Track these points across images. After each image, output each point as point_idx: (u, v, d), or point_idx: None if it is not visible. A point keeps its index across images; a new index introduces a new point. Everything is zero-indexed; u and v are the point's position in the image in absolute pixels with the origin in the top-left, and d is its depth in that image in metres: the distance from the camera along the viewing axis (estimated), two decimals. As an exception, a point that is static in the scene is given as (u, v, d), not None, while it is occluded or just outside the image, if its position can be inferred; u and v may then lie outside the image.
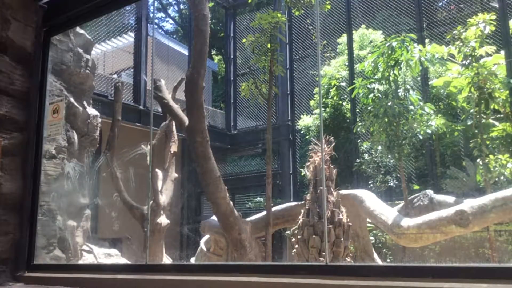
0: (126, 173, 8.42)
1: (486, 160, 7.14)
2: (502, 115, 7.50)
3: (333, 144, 6.58)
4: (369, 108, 7.84)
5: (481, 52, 7.27)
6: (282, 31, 9.23)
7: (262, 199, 12.53)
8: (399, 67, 7.48)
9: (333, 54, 12.53)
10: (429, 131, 7.55)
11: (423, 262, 8.00)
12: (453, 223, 5.91)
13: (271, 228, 7.08)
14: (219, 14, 17.82)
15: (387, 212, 6.63)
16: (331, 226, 5.96)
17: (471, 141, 7.57)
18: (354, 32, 11.91)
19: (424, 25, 11.05)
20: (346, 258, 6.00)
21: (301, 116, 12.63)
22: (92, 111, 7.39)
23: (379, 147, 8.92)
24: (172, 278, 3.79)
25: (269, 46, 7.26)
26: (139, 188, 8.45)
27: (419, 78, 10.13)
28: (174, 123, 8.23)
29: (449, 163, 9.91)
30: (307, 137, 11.92)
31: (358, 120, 10.40)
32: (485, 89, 7.15)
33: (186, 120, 6.20)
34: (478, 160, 7.73)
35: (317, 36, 11.47)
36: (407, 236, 6.28)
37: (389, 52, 7.36)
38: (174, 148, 8.35)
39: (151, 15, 14.97)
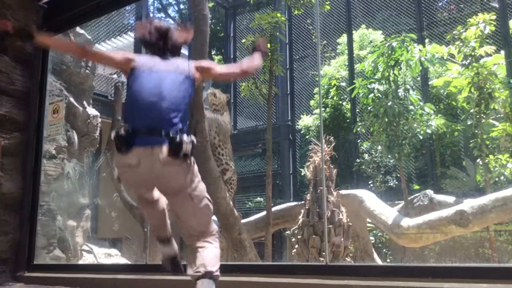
0: (126, 173, 8.39)
1: (486, 160, 7.13)
2: (502, 115, 7.50)
3: (333, 144, 6.58)
4: (369, 108, 7.84)
5: (481, 52, 7.26)
6: (282, 31, 9.23)
7: (262, 199, 12.52)
8: (399, 67, 7.48)
9: (333, 54, 12.52)
10: (429, 131, 7.54)
11: (423, 262, 8.00)
12: (453, 223, 5.91)
13: (271, 228, 7.08)
14: (219, 14, 17.81)
15: (387, 212, 6.63)
16: (331, 226, 5.96)
17: (471, 141, 7.56)
18: (354, 32, 11.90)
19: (424, 25, 11.04)
20: (346, 258, 6.00)
21: (301, 116, 12.61)
22: (92, 111, 7.40)
23: (379, 147, 8.91)
24: (172, 278, 3.79)
25: (269, 46, 7.25)
26: (139, 188, 8.41)
27: (419, 78, 10.12)
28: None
29: (449, 163, 9.90)
30: (307, 137, 11.91)
31: (358, 120, 10.39)
32: (485, 89, 7.14)
33: (186, 120, 6.19)
34: (478, 160, 7.73)
35: (317, 36, 11.45)
36: (407, 236, 6.29)
37: (389, 52, 7.36)
38: (174, 148, 8.34)
39: (151, 15, 14.97)
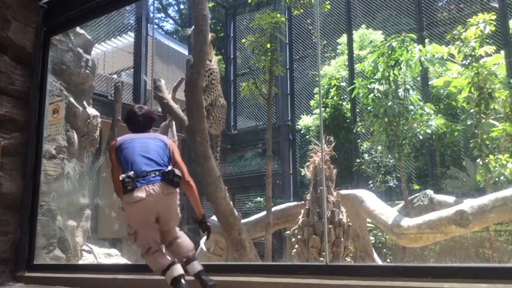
0: (126, 173, 8.38)
1: (486, 160, 7.13)
2: (502, 115, 7.50)
3: (333, 144, 6.57)
4: (369, 108, 7.83)
5: (481, 52, 7.26)
6: (282, 31, 9.24)
7: (262, 199, 12.52)
8: (399, 67, 7.47)
9: (333, 54, 12.53)
10: (429, 131, 7.54)
11: (423, 262, 8.00)
12: (453, 223, 5.91)
13: (271, 228, 7.08)
14: (219, 14, 17.82)
15: (387, 212, 6.63)
16: (331, 226, 5.96)
17: (471, 141, 7.56)
18: (354, 32, 11.90)
19: (424, 25, 11.04)
20: (346, 258, 6.00)
21: (301, 116, 12.62)
22: (92, 111, 7.40)
23: (379, 147, 8.91)
24: (172, 278, 3.78)
25: (269, 46, 7.25)
26: (139, 188, 8.40)
27: (419, 78, 10.12)
28: (174, 123, 8.23)
29: (449, 163, 9.90)
30: (307, 137, 11.91)
31: (358, 120, 10.39)
32: (485, 89, 7.14)
33: (186, 120, 6.20)
34: (478, 160, 7.73)
35: (317, 36, 11.47)
36: (407, 236, 6.28)
37: (389, 52, 7.36)
38: (174, 148, 8.33)
39: (151, 15, 14.97)
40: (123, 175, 3.02)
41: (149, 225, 3.08)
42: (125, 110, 9.83)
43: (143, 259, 3.26)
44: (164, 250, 3.19)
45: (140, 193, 2.97)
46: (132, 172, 3.02)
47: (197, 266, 3.04)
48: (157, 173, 3.04)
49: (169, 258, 3.12)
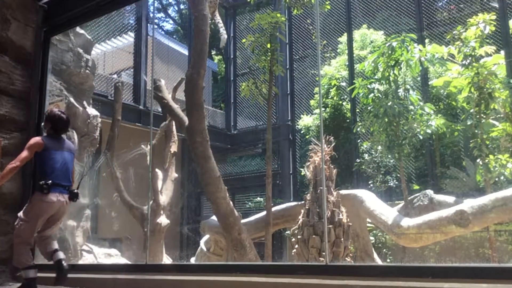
0: (126, 173, 8.42)
1: (486, 160, 7.13)
2: (502, 115, 7.50)
3: (333, 144, 6.57)
4: (369, 108, 7.83)
5: (481, 52, 7.25)
6: (282, 31, 9.24)
7: (262, 199, 12.52)
8: (399, 67, 7.47)
9: (333, 54, 12.53)
10: (429, 131, 7.54)
11: (423, 262, 8.00)
12: (453, 223, 5.91)
13: (271, 228, 7.08)
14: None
15: (387, 212, 6.63)
16: (331, 226, 5.96)
17: (471, 141, 7.56)
18: (355, 31, 11.90)
19: (424, 25, 11.04)
20: (346, 258, 6.00)
21: (301, 116, 12.62)
22: (92, 111, 7.39)
23: (379, 147, 8.91)
24: (172, 278, 3.79)
25: (269, 46, 7.25)
26: (139, 188, 8.44)
27: (419, 78, 10.12)
28: (174, 123, 8.23)
29: (449, 163, 9.91)
30: (307, 137, 11.91)
31: (358, 120, 10.39)
32: (485, 89, 7.13)
33: (186, 120, 6.20)
34: (478, 160, 7.72)
35: (317, 36, 11.47)
36: (407, 236, 6.28)
37: (389, 52, 7.36)
38: (174, 148, 8.35)
39: (151, 15, 14.97)
40: (43, 181, 3.93)
41: (43, 221, 4.05)
42: (125, 110, 9.76)
43: (15, 246, 4.08)
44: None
45: (53, 197, 3.98)
46: (50, 181, 3.95)
47: (60, 254, 4.02)
48: (67, 188, 4.10)
49: (31, 260, 4.10)
